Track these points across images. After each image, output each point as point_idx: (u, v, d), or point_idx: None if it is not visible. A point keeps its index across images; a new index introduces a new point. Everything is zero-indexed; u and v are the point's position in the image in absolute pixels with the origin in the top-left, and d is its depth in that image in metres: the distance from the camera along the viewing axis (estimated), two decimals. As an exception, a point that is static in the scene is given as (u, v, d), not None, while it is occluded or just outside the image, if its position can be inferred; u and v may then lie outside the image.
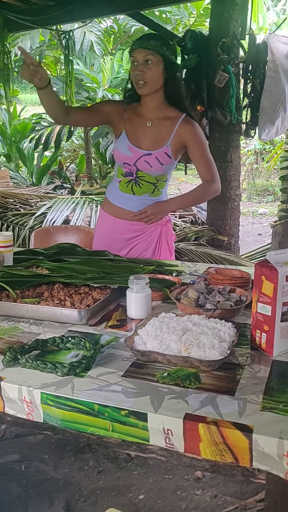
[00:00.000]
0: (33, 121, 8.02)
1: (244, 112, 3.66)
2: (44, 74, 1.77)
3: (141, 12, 4.00)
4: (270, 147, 8.67)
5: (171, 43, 1.97)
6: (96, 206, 4.26)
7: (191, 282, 1.66)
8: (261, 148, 8.90)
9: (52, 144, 6.88)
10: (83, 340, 1.25)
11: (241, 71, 3.55)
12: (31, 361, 1.16)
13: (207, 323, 1.26)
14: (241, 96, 3.59)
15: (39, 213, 4.19)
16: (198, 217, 5.12)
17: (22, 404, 1.10)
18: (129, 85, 1.99)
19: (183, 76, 3.64)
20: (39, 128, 6.91)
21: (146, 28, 5.96)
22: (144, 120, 1.98)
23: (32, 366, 1.16)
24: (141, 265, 1.73)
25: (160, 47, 1.86)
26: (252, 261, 3.61)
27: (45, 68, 1.75)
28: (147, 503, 1.78)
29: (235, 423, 0.94)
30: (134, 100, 1.99)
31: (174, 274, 1.75)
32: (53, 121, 2.21)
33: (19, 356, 1.18)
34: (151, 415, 0.98)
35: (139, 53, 1.85)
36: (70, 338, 1.27)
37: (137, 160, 1.96)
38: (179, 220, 4.77)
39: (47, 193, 5.17)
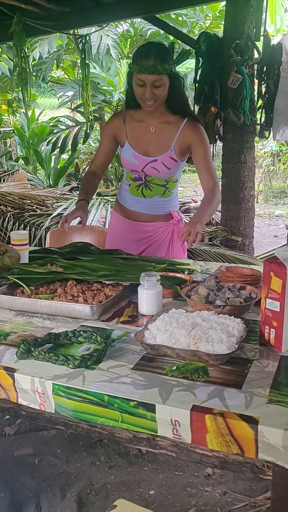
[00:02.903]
0: (50, 124, 8.14)
1: (258, 113, 3.66)
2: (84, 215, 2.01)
3: (157, 15, 4.03)
4: (287, 149, 8.62)
5: (168, 47, 1.89)
6: (111, 207, 4.30)
7: (202, 280, 1.68)
8: (277, 150, 8.84)
9: (69, 147, 6.96)
10: (95, 334, 1.28)
11: (255, 72, 3.56)
12: (43, 354, 1.20)
13: (216, 319, 1.28)
14: (255, 97, 3.59)
15: (55, 213, 4.26)
16: (213, 218, 5.10)
17: (34, 395, 1.14)
18: (128, 90, 1.94)
19: (197, 78, 3.67)
20: (57, 131, 6.99)
21: (162, 32, 6.01)
22: (148, 126, 1.96)
23: (44, 358, 1.19)
24: (153, 264, 1.75)
25: (169, 67, 1.79)
26: (266, 262, 3.60)
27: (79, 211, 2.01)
28: (157, 498, 1.80)
29: (241, 414, 0.96)
30: (135, 105, 1.94)
31: (186, 273, 1.77)
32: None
33: (32, 349, 1.21)
34: (159, 406, 1.00)
35: (149, 78, 1.77)
36: (82, 332, 1.30)
37: (144, 167, 1.97)
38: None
39: (63, 194, 5.24)
